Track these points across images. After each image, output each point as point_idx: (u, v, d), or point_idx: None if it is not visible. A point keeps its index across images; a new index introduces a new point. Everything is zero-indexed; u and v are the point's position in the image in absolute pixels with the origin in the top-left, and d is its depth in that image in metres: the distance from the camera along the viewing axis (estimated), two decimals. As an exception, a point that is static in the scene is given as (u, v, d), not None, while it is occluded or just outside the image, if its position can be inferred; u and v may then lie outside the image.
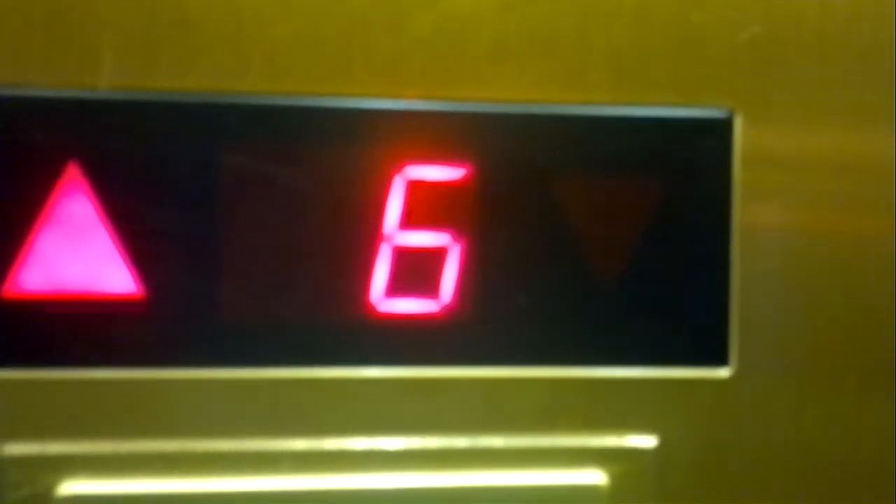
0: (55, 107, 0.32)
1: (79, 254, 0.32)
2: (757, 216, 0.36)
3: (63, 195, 0.32)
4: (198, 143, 0.33)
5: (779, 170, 0.36)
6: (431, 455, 0.34)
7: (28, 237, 0.32)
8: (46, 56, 0.32)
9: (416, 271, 0.35)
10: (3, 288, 0.32)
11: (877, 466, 0.37)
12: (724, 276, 0.36)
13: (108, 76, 0.32)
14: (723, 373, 0.36)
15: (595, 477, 0.35)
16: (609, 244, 0.36)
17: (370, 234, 0.34)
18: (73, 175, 0.32)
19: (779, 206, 0.36)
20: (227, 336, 0.33)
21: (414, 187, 0.34)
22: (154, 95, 0.33)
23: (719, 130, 0.36)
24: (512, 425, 0.35)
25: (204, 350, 0.33)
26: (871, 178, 0.36)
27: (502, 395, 0.35)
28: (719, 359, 0.36)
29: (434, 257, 0.35)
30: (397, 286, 0.34)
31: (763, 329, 0.36)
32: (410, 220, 0.34)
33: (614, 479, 0.35)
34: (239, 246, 0.33)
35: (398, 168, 0.34)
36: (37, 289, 0.32)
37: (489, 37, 0.34)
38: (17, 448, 0.32)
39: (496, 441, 0.35)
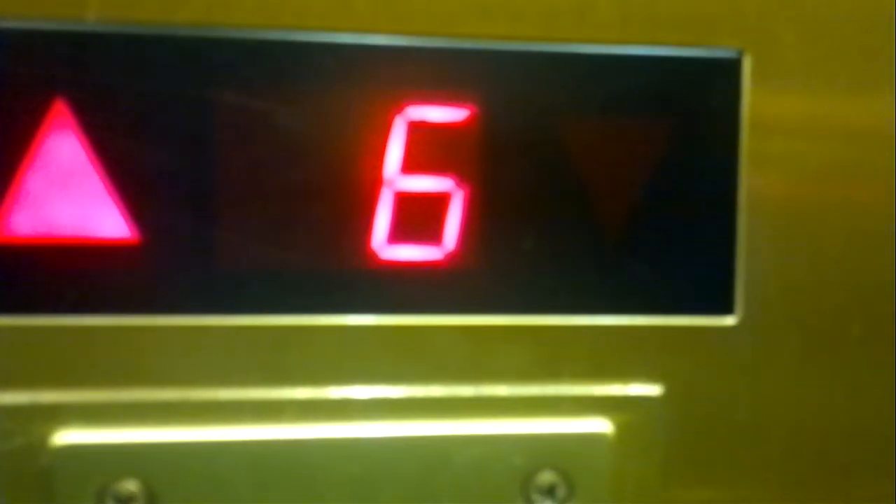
0: (40, 40, 0.30)
1: (68, 196, 0.31)
2: (765, 159, 0.35)
3: (50, 134, 0.31)
4: (190, 80, 0.31)
5: (788, 112, 0.35)
6: (435, 403, 0.34)
7: (14, 178, 0.31)
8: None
9: (418, 217, 0.34)
10: (-9, 233, 0.31)
11: (880, 414, 0.37)
12: (730, 223, 0.35)
13: (95, 8, 0.30)
14: (728, 321, 0.35)
15: (601, 425, 0.34)
16: (615, 188, 0.35)
17: (371, 178, 0.33)
18: (60, 112, 0.31)
19: (787, 149, 0.35)
20: (224, 283, 0.32)
21: (415, 129, 0.33)
22: (144, 29, 0.31)
23: (728, 71, 0.35)
24: (516, 374, 0.34)
25: (199, 297, 0.32)
26: (882, 119, 0.35)
27: (506, 344, 0.34)
28: (725, 307, 0.36)
29: (437, 203, 0.34)
30: (399, 233, 0.33)
31: (768, 277, 0.36)
32: (412, 164, 0.33)
33: (620, 427, 0.35)
34: (235, 188, 0.32)
35: (399, 109, 0.33)
36: (25, 233, 0.31)
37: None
38: (8, 397, 0.31)
39: (500, 389, 0.34)
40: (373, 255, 0.33)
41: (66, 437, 0.31)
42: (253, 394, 0.33)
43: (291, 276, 0.33)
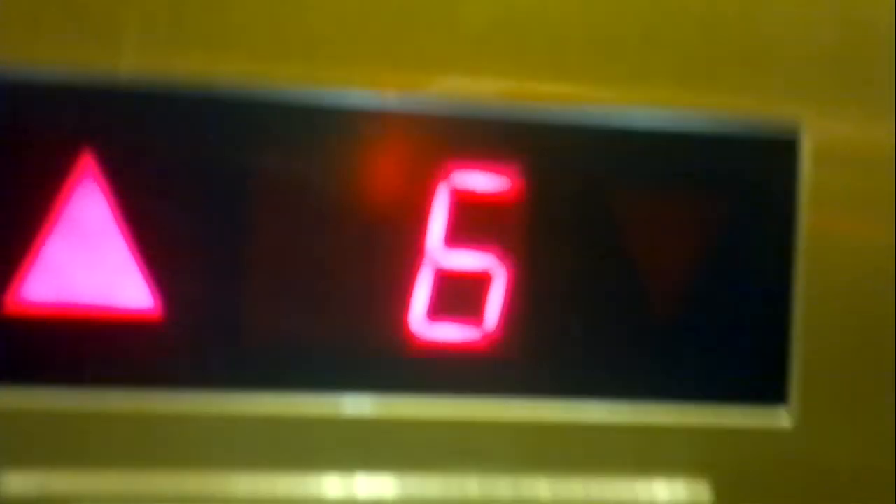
0: (69, 92, 0.28)
1: (91, 261, 0.29)
2: (824, 242, 0.33)
3: (75, 194, 0.29)
4: (227, 141, 0.30)
5: (849, 191, 0.33)
6: (472, 500, 0.31)
7: (34, 242, 0.29)
8: (61, 32, 0.28)
9: (458, 296, 0.32)
10: (5, 300, 0.28)
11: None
12: (786, 308, 0.33)
13: (130, 58, 0.28)
14: (782, 412, 0.33)
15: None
16: (667, 270, 0.33)
17: (411, 250, 0.31)
18: (87, 171, 0.29)
19: (848, 231, 0.34)
20: (251, 360, 0.30)
21: (460, 198, 0.31)
22: (181, 83, 0.29)
23: (786, 147, 0.33)
24: (557, 466, 0.32)
25: (225, 375, 0.30)
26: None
27: (548, 433, 0.32)
28: (778, 397, 0.33)
29: (479, 280, 0.32)
30: (438, 311, 0.31)
31: (826, 367, 0.34)
32: (455, 235, 0.31)
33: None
34: (267, 258, 0.30)
35: (444, 175, 0.31)
36: (43, 301, 0.29)
37: (549, 33, 0.31)
38: (17, 480, 0.28)
39: (541, 485, 0.32)
40: (410, 335, 0.31)
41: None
42: (282, 483, 0.30)
43: (322, 355, 0.31)
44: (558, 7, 0.31)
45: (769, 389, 0.34)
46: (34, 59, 0.28)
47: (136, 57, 0.28)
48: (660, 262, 0.33)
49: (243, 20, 0.29)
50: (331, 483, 0.30)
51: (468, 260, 0.32)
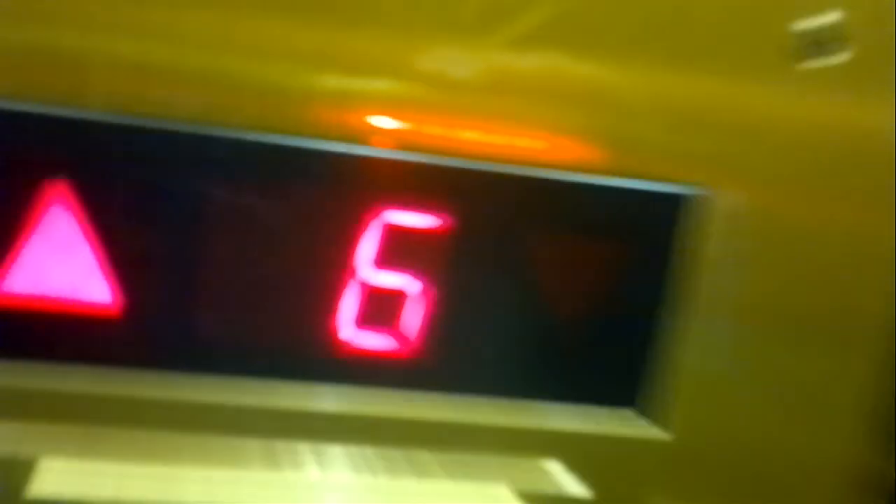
0: (48, 122, 0.32)
1: (62, 264, 0.33)
2: (714, 292, 0.37)
3: (51, 210, 0.33)
4: (183, 172, 0.33)
5: (740, 254, 0.37)
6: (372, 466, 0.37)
7: (15, 246, 0.33)
8: (40, 72, 0.31)
9: (383, 311, 0.36)
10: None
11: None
12: (659, 337, 0.38)
13: (98, 97, 0.32)
14: (663, 435, 0.38)
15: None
16: (564, 298, 0.38)
17: (342, 270, 0.35)
18: (60, 192, 0.33)
19: (735, 290, 0.38)
20: (199, 351, 0.35)
21: (391, 229, 0.36)
22: (143, 121, 0.32)
23: (684, 207, 0.37)
24: (447, 445, 0.37)
25: (174, 357, 0.35)
26: (847, 263, 0.38)
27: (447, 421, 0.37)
28: (629, 399, 0.39)
29: (403, 299, 0.36)
30: (363, 324, 0.36)
31: (707, 394, 0.38)
32: (383, 261, 0.36)
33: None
34: (217, 270, 0.35)
35: (376, 213, 0.35)
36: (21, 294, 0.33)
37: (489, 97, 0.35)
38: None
39: (430, 458, 0.37)
40: (335, 339, 0.36)
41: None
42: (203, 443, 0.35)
43: (261, 350, 0.35)
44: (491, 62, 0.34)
45: (622, 393, 0.39)
46: (12, 93, 0.31)
47: (103, 97, 0.32)
48: (559, 293, 0.38)
49: (201, 64, 0.32)
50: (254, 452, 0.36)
51: (394, 279, 0.36)
